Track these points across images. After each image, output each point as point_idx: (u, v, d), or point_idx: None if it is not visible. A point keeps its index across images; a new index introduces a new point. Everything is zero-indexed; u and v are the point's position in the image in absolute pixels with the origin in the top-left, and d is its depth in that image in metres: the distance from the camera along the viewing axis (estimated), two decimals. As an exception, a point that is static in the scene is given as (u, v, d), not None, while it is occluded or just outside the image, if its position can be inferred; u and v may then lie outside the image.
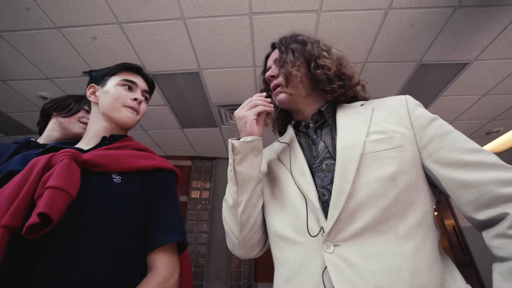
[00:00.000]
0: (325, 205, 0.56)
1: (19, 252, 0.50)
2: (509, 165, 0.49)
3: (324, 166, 0.61)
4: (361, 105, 0.69)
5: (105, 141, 0.72)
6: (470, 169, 0.50)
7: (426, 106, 2.69)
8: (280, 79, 0.71)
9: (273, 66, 0.75)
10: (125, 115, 0.74)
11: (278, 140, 0.80)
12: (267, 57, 0.84)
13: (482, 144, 3.54)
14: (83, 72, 0.89)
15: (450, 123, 2.46)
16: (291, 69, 0.68)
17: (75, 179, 0.54)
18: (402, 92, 2.46)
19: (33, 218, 0.46)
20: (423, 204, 0.53)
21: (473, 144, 0.53)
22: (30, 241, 0.49)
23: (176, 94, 2.50)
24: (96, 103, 0.78)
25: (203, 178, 3.85)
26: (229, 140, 0.65)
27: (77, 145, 0.74)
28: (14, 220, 0.47)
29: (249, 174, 0.63)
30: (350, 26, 1.83)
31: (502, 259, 0.46)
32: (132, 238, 0.61)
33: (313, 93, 0.73)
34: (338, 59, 0.72)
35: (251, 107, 0.67)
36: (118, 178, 0.64)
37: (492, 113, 2.82)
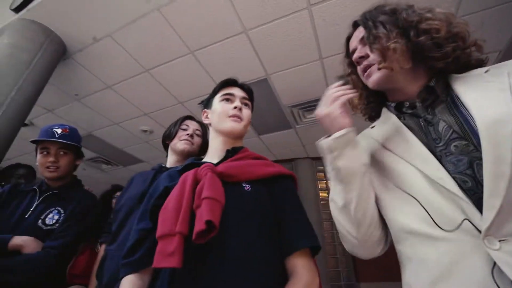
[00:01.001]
0: (471, 193, 0.48)
1: (189, 255, 0.58)
2: None
3: (453, 148, 0.52)
4: (486, 71, 0.56)
5: (229, 154, 0.79)
6: None
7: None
8: (373, 57, 0.64)
9: (360, 46, 0.69)
10: (230, 124, 0.81)
11: (372, 127, 0.73)
12: (348, 39, 0.76)
13: None
14: (198, 104, 1.05)
15: None
16: (387, 43, 0.60)
17: (221, 190, 0.62)
18: (517, 41, 1.94)
19: (201, 225, 0.53)
20: None
21: None
22: (196, 246, 0.57)
23: (248, 104, 2.62)
24: (210, 124, 0.89)
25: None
26: (318, 142, 0.63)
27: (205, 160, 0.83)
28: (184, 228, 0.56)
29: (352, 168, 0.60)
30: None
31: None
32: (269, 242, 0.64)
33: (415, 66, 0.64)
34: (446, 18, 0.61)
35: (332, 101, 0.62)
36: (248, 186, 0.69)
37: None
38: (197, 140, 1.30)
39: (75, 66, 2.11)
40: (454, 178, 0.50)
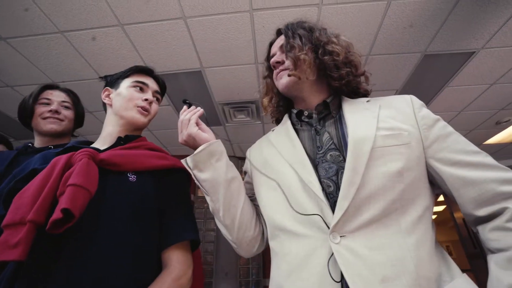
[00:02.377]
0: (330, 196, 0.57)
1: (43, 246, 0.52)
2: (504, 166, 0.53)
3: (328, 157, 0.61)
4: (367, 101, 0.69)
5: (120, 141, 0.74)
6: (472, 168, 0.53)
7: (432, 97, 2.65)
8: (287, 64, 0.71)
9: (279, 53, 0.75)
10: (136, 115, 0.77)
11: (273, 130, 0.80)
12: (271, 44, 0.83)
13: (492, 135, 3.48)
14: (99, 77, 0.92)
15: (458, 114, 2.42)
16: (299, 53, 0.68)
17: (94, 177, 0.57)
18: (408, 83, 2.42)
19: (57, 214, 0.48)
20: (424, 200, 0.55)
21: (473, 146, 0.57)
22: (53, 236, 0.51)
23: (180, 94, 2.51)
24: (110, 105, 0.81)
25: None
26: (182, 160, 0.67)
27: (93, 145, 0.76)
28: (39, 216, 0.50)
29: (216, 180, 0.64)
30: (352, 19, 1.80)
31: (498, 250, 0.49)
32: (147, 235, 0.63)
33: (319, 81, 0.73)
34: (346, 46, 0.72)
35: (186, 125, 0.68)
36: (134, 177, 0.67)
37: (501, 102, 2.75)
38: (67, 113, 1.11)
39: (-45, 4, 1.63)
40: (322, 182, 0.58)
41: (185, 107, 0.72)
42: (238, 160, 3.98)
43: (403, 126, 0.59)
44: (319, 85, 0.73)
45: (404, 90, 2.51)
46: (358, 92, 0.74)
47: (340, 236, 0.51)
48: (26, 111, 1.07)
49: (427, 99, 2.69)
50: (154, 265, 0.62)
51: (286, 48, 0.71)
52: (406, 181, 0.54)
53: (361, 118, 0.63)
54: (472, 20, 1.80)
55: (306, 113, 0.71)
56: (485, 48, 2.04)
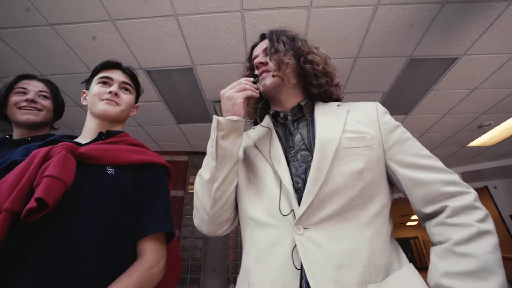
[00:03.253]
0: (298, 192, 0.61)
1: (19, 234, 0.55)
2: (450, 170, 0.60)
3: (299, 156, 0.66)
4: (337, 105, 0.75)
5: (101, 136, 0.77)
6: (423, 171, 0.60)
7: (418, 100, 2.73)
8: (271, 65, 0.75)
9: (262, 55, 0.79)
10: (102, 107, 0.79)
11: (253, 128, 0.84)
12: (253, 47, 0.87)
13: (474, 138, 3.60)
14: (81, 83, 0.95)
15: (442, 117, 2.52)
16: (284, 57, 0.73)
17: (70, 170, 0.59)
18: (394, 86, 2.50)
19: (31, 203, 0.50)
20: (382, 198, 0.61)
21: (426, 151, 0.63)
22: (29, 224, 0.54)
23: (171, 90, 2.52)
24: (87, 106, 0.85)
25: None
26: (215, 116, 0.67)
27: (76, 140, 0.79)
28: (15, 205, 0.52)
29: (230, 152, 0.66)
30: (340, 22, 1.86)
31: (439, 243, 0.55)
32: (121, 226, 0.65)
33: (297, 85, 0.78)
34: (324, 58, 0.78)
35: (240, 90, 0.68)
36: (112, 170, 0.69)
37: (483, 107, 2.86)
38: (45, 103, 1.08)
39: None
40: (292, 179, 0.63)
41: (252, 79, 0.72)
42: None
43: (366, 130, 0.65)
44: (296, 89, 0.79)
45: (390, 92, 2.58)
46: (331, 98, 0.81)
47: (304, 228, 0.56)
48: None
49: (413, 102, 2.78)
50: (128, 256, 0.65)
51: (271, 51, 0.75)
52: (366, 180, 0.59)
53: (329, 121, 0.69)
54: (454, 28, 1.88)
55: (281, 114, 0.76)
56: (467, 54, 2.12)
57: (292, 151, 0.68)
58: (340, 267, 0.51)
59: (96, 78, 0.85)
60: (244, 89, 0.68)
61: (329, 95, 0.79)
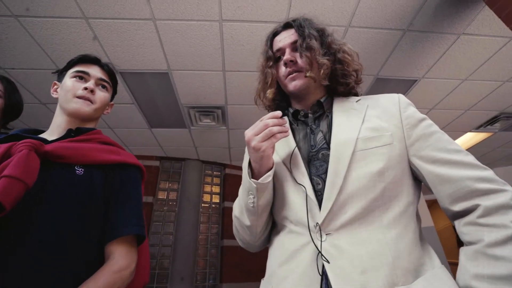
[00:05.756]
0: (318, 194, 0.60)
1: None
2: (483, 165, 0.55)
3: (320, 155, 0.63)
4: (357, 101, 0.70)
5: (71, 133, 0.73)
6: (451, 166, 0.55)
7: (383, 116, 2.94)
8: (301, 64, 0.69)
9: (289, 50, 0.71)
10: (76, 105, 0.75)
11: None
12: (274, 34, 0.77)
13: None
14: (52, 72, 0.89)
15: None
16: (318, 57, 0.68)
17: (32, 170, 0.56)
18: (362, 102, 2.67)
19: None
20: (406, 197, 0.58)
21: (455, 145, 0.58)
22: None
23: (145, 93, 2.47)
24: (57, 98, 0.80)
25: (171, 179, 3.80)
26: (250, 180, 0.61)
27: (42, 135, 0.74)
28: None
29: (267, 204, 0.65)
30: (314, 40, 1.96)
31: (469, 243, 0.52)
32: (88, 228, 0.63)
33: (321, 84, 0.73)
34: (354, 56, 0.73)
35: (267, 137, 0.59)
36: (81, 170, 0.66)
37: (439, 125, 3.15)
38: None
39: None
40: (312, 179, 0.61)
41: (279, 113, 0.61)
42: (202, 163, 3.97)
43: (386, 126, 0.61)
44: (321, 86, 0.74)
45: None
46: (352, 93, 0.76)
47: (326, 234, 0.55)
48: None
49: (378, 118, 2.99)
50: (94, 259, 0.63)
51: (302, 48, 0.69)
52: (387, 179, 0.56)
53: (347, 120, 0.65)
54: (414, 53, 2.08)
55: (302, 113, 0.71)
56: (425, 78, 2.34)
57: (314, 150, 0.65)
58: (365, 271, 0.49)
59: (71, 72, 0.80)
60: (272, 135, 0.59)
61: (352, 91, 0.75)
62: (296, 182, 0.62)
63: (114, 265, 0.61)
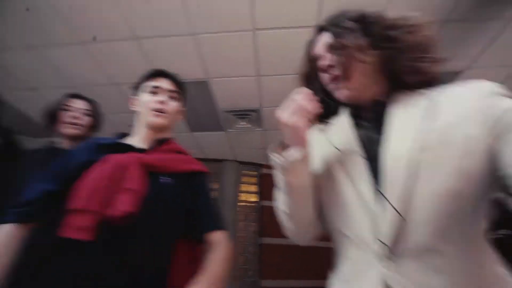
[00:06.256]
0: (380, 208, 0.50)
1: (102, 230, 0.65)
2: None
3: (382, 163, 0.52)
4: (425, 97, 0.55)
5: (156, 145, 0.85)
6: None
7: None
8: (340, 72, 0.58)
9: (326, 54, 0.61)
10: (153, 118, 0.85)
11: (326, 125, 0.69)
12: (310, 45, 0.68)
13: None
14: (130, 88, 1.01)
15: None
16: (364, 54, 0.55)
17: (144, 181, 0.71)
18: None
19: (121, 212, 0.63)
20: (484, 218, 0.49)
21: None
22: (111, 226, 0.65)
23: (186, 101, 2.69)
24: (136, 112, 0.93)
25: (211, 180, 4.02)
26: (275, 153, 0.58)
27: (131, 142, 0.85)
28: (103, 209, 0.64)
29: (302, 184, 0.59)
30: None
31: None
32: (175, 229, 0.77)
33: (381, 79, 0.60)
34: (419, 31, 0.54)
35: (300, 113, 0.54)
36: (170, 179, 0.79)
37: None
38: (86, 120, 1.27)
39: None
40: (376, 193, 0.51)
41: (309, 91, 0.56)
42: (239, 164, 4.14)
43: (461, 128, 0.47)
44: (377, 81, 0.60)
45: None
46: (426, 83, 0.58)
47: (393, 259, 0.47)
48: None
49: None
50: (171, 251, 0.76)
51: (336, 51, 0.58)
52: (463, 195, 0.45)
53: (408, 122, 0.52)
54: (456, 44, 1.96)
55: (362, 113, 0.61)
56: (472, 68, 2.19)
57: (373, 155, 0.55)
58: None
59: (144, 86, 0.90)
60: (304, 110, 0.54)
61: (425, 80, 0.57)
62: (357, 191, 0.54)
63: (221, 252, 0.76)
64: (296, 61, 0.73)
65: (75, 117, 1.23)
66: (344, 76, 0.58)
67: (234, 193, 3.95)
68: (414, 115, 0.53)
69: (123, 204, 0.65)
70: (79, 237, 0.61)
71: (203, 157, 4.00)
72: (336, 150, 0.61)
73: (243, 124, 3.04)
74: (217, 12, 1.79)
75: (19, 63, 2.23)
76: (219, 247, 0.76)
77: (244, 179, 4.20)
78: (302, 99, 0.55)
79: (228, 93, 2.55)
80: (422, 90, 0.57)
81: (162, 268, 0.71)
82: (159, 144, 0.85)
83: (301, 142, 0.55)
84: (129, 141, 0.85)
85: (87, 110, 1.31)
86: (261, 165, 4.27)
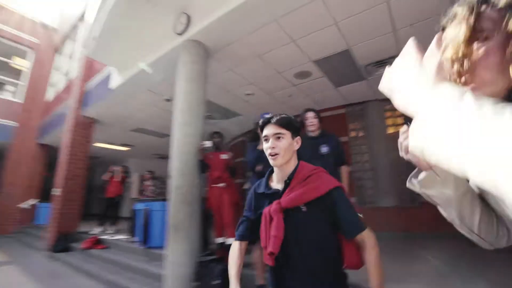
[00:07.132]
0: None
1: (278, 261, 0.91)
2: None
3: None
4: None
5: (287, 184, 0.98)
6: None
7: None
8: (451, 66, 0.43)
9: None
10: (273, 162, 1.00)
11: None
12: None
13: None
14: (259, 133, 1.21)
15: None
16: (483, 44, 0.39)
17: (282, 227, 0.90)
18: None
19: (269, 253, 0.89)
20: None
21: None
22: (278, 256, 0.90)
23: (333, 72, 3.37)
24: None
25: (357, 121, 4.68)
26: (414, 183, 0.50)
27: (273, 182, 1.05)
28: (272, 249, 0.89)
29: (449, 197, 0.50)
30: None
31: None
32: (323, 251, 0.91)
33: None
34: None
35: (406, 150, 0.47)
36: (305, 208, 0.92)
37: None
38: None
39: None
40: None
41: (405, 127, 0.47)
42: (380, 102, 4.46)
43: None
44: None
45: None
46: None
47: None
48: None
49: None
50: (333, 257, 0.93)
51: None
52: None
53: None
54: None
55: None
56: None
57: None
58: None
59: (261, 135, 1.04)
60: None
61: None
62: None
63: (374, 250, 0.89)
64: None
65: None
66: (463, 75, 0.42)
67: (381, 127, 4.45)
68: None
69: (268, 247, 0.89)
70: (268, 263, 0.92)
71: (346, 103, 4.65)
72: None
73: (381, 71, 3.39)
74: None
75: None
76: (369, 247, 0.89)
77: (388, 113, 4.54)
78: (403, 138, 0.47)
79: (367, 49, 3.02)
80: None
81: (331, 258, 0.91)
82: (289, 180, 0.99)
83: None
84: (273, 180, 1.06)
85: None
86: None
